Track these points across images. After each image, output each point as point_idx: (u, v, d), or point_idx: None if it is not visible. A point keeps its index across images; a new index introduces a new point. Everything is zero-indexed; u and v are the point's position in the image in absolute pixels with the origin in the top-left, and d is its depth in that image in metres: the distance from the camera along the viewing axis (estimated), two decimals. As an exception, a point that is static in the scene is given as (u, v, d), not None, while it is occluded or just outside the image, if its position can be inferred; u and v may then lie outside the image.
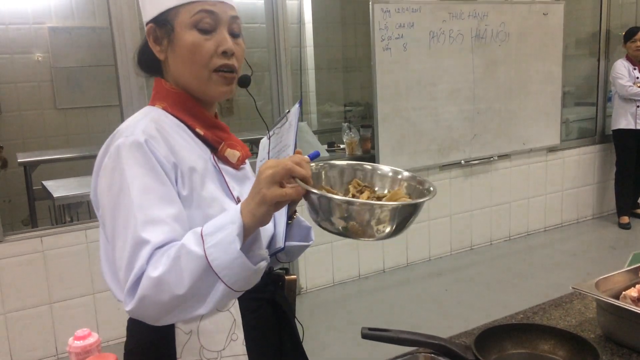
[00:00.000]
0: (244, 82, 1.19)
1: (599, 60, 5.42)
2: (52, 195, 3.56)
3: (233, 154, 1.17)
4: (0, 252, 3.04)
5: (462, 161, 4.47)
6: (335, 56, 5.62)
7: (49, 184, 3.83)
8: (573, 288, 1.33)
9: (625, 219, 5.14)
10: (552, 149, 5.03)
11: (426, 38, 4.12)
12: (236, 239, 0.94)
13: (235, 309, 1.10)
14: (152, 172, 1.01)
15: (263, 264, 1.00)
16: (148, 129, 1.05)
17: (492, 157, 4.62)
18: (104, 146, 1.08)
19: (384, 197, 1.07)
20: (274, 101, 3.80)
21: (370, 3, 3.88)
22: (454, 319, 3.49)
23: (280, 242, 1.25)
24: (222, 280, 0.95)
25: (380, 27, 3.91)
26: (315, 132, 4.59)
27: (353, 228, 0.92)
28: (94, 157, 1.08)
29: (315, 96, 5.48)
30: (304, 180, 0.94)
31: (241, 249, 0.97)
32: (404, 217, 0.96)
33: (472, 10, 4.31)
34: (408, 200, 1.00)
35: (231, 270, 0.94)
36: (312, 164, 1.02)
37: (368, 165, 1.11)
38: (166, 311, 0.97)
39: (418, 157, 4.23)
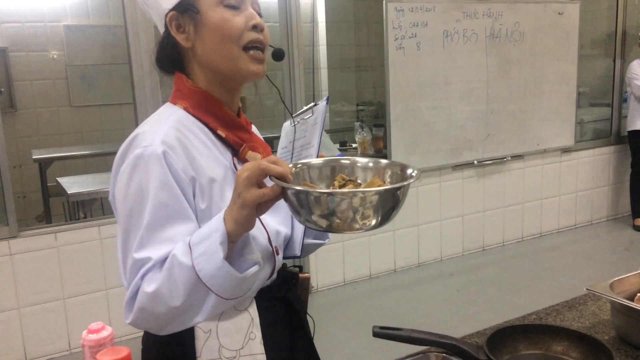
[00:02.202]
0: (279, 55, 1.13)
1: (614, 61, 5.36)
2: (66, 192, 3.59)
3: (254, 156, 1.14)
4: (15, 247, 3.07)
5: (475, 161, 4.44)
6: (348, 55, 5.61)
7: (64, 181, 3.87)
8: (587, 289, 1.32)
9: (641, 221, 5.09)
10: (566, 150, 4.99)
11: (440, 37, 4.11)
12: (219, 248, 0.93)
13: (253, 308, 1.10)
14: (168, 187, 1.00)
15: (253, 270, 0.99)
16: (168, 139, 1.03)
17: (505, 158, 4.59)
18: (123, 147, 1.06)
19: None
20: (287, 100, 3.81)
21: (384, 2, 3.87)
22: (466, 319, 3.47)
23: (296, 250, 1.25)
24: (211, 290, 0.95)
25: (393, 26, 3.90)
26: (327, 132, 4.59)
27: (336, 221, 0.89)
28: (108, 154, 1.09)
29: (328, 95, 5.48)
30: (281, 177, 0.90)
31: (231, 255, 0.96)
32: (388, 203, 0.91)
33: (487, 9, 4.29)
34: (390, 185, 0.95)
35: (217, 279, 0.94)
36: (290, 165, 0.98)
37: (346, 160, 1.07)
38: (165, 322, 0.98)
39: (430, 156, 4.21)
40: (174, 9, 1.09)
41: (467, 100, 4.30)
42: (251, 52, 1.08)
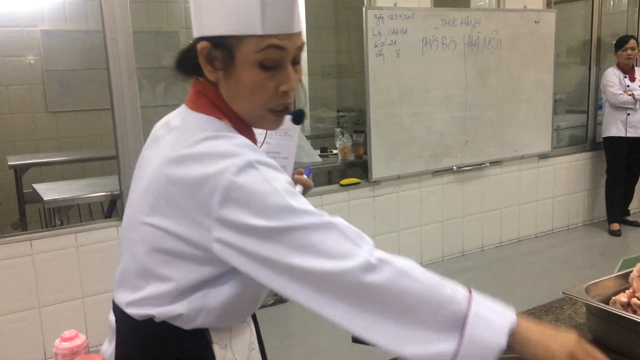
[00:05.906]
0: (299, 118, 1.08)
1: (590, 68, 5.46)
2: (42, 199, 3.53)
3: None
4: (-11, 255, 3.01)
5: (454, 167, 4.48)
6: (329, 62, 5.63)
7: (40, 187, 3.80)
8: (563, 293, 1.33)
9: (616, 226, 5.17)
10: (543, 156, 5.05)
11: (419, 44, 4.14)
12: (499, 332, 0.90)
13: (250, 320, 1.13)
14: (290, 183, 0.96)
15: None
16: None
17: (483, 164, 4.64)
18: (195, 181, 0.92)
19: None
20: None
21: (363, 9, 3.89)
22: (445, 324, 3.48)
23: None
24: (461, 345, 0.90)
25: (373, 33, 3.92)
26: (308, 138, 4.59)
27: None
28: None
29: (308, 102, 5.48)
30: None
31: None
32: None
33: (465, 17, 4.34)
34: None
35: (473, 347, 0.89)
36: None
37: None
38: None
39: (410, 163, 4.24)
40: (209, 40, 0.98)
41: (446, 107, 4.34)
42: (275, 112, 1.02)
